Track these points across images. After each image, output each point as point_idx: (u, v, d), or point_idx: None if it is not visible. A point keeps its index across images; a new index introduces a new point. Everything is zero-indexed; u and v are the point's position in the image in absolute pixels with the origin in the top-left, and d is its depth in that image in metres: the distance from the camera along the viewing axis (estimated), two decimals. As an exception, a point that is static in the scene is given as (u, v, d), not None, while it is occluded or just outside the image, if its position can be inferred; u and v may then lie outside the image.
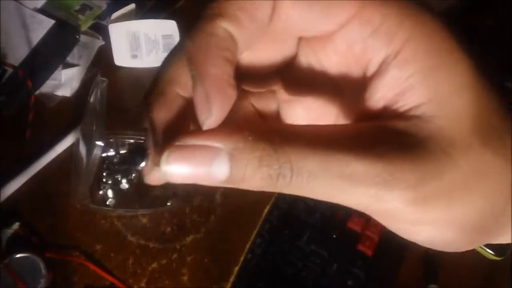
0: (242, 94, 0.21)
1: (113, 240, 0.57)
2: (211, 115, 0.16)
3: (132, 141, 0.60)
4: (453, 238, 0.17)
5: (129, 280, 0.54)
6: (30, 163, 0.59)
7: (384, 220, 0.18)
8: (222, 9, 0.17)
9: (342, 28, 0.18)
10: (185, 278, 0.55)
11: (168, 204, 0.59)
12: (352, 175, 0.15)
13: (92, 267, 0.54)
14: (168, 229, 0.58)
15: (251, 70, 0.20)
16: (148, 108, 0.19)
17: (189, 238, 0.58)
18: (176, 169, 0.16)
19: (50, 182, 0.59)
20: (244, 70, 0.20)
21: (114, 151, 0.60)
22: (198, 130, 0.17)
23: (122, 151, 0.61)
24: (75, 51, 0.69)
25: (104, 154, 0.60)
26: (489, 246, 0.58)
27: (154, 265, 0.56)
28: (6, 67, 0.64)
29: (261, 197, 0.61)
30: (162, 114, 0.19)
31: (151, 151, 0.19)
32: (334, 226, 0.59)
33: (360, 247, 0.57)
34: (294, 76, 0.21)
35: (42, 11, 0.71)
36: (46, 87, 0.65)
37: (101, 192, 0.58)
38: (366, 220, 0.59)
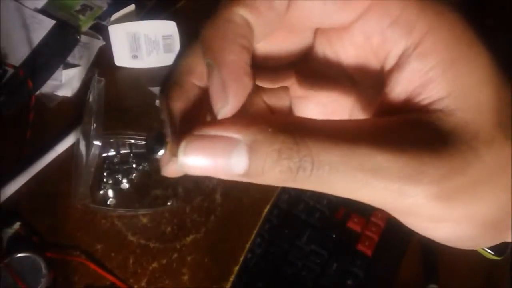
0: (254, 90, 0.21)
1: (113, 240, 0.57)
2: (227, 103, 0.16)
3: (132, 141, 0.60)
4: (473, 234, 0.17)
5: (130, 279, 0.55)
6: (30, 163, 0.59)
7: (403, 216, 0.17)
8: None
9: (360, 19, 0.17)
10: (185, 277, 0.55)
11: (169, 204, 0.59)
12: (375, 168, 0.15)
13: (93, 266, 0.54)
14: (169, 229, 0.58)
15: (265, 63, 0.20)
16: (165, 99, 0.19)
17: (189, 238, 0.58)
18: (193, 160, 0.16)
19: (50, 182, 0.59)
20: (258, 62, 0.19)
21: (114, 151, 0.61)
22: (215, 121, 0.16)
23: (123, 151, 0.61)
24: (76, 51, 0.69)
25: (104, 154, 0.60)
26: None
27: (155, 264, 0.56)
28: (6, 67, 0.64)
29: (261, 197, 0.61)
30: (179, 105, 0.18)
31: (169, 140, 0.18)
32: (334, 226, 0.59)
33: (360, 247, 0.57)
34: (309, 70, 0.21)
35: (43, 11, 0.71)
36: (46, 87, 0.66)
37: (101, 192, 0.59)
38: (366, 220, 0.59)
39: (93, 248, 0.56)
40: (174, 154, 0.16)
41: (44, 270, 0.51)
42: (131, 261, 0.56)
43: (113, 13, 0.70)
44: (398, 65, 0.17)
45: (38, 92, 0.65)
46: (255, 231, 0.58)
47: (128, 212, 0.58)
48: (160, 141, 0.18)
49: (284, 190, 0.61)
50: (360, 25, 0.18)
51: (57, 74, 0.67)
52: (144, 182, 0.60)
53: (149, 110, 0.63)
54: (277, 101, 0.22)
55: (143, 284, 0.55)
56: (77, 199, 0.56)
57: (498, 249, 0.58)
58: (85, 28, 0.71)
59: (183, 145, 0.16)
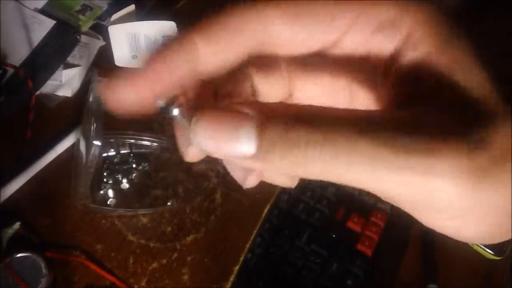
0: (244, 78, 0.20)
1: (113, 240, 0.57)
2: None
3: (132, 141, 0.60)
4: (501, 223, 0.16)
5: (130, 279, 0.55)
6: (30, 163, 0.59)
7: (426, 210, 0.16)
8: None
9: (345, 34, 0.18)
10: (185, 277, 0.55)
11: (168, 204, 0.59)
12: (398, 146, 0.14)
13: (93, 266, 0.54)
14: (169, 229, 0.58)
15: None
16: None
17: (189, 238, 0.58)
18: (205, 134, 0.15)
19: (50, 182, 0.59)
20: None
21: (114, 151, 0.61)
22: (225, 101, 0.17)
23: (123, 151, 0.61)
24: (76, 51, 0.69)
25: (104, 154, 0.60)
26: (489, 245, 0.58)
27: (155, 264, 0.56)
28: (6, 68, 0.64)
29: (261, 197, 0.61)
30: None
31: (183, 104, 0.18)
32: (334, 226, 0.59)
33: (360, 247, 0.57)
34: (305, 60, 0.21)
35: (43, 11, 0.71)
36: (46, 88, 0.66)
37: (101, 192, 0.59)
38: (365, 220, 0.59)
39: (93, 248, 0.56)
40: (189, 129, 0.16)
41: (44, 270, 0.51)
42: (131, 261, 0.56)
43: (113, 13, 0.70)
44: (394, 58, 0.17)
45: (38, 92, 0.65)
46: (255, 231, 0.58)
47: (128, 212, 0.58)
48: (174, 103, 0.18)
49: (284, 190, 0.61)
50: (347, 38, 0.18)
51: (57, 74, 0.67)
52: (144, 182, 0.60)
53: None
54: (270, 88, 0.21)
55: (143, 284, 0.55)
56: (77, 199, 0.56)
57: (498, 249, 0.58)
58: (85, 28, 0.71)
59: (193, 121, 0.16)
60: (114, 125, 0.59)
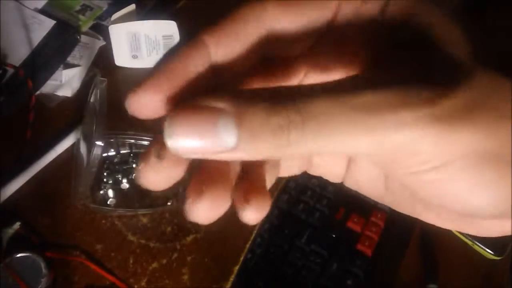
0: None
1: (113, 240, 0.57)
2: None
3: (132, 141, 0.60)
4: (477, 172, 0.16)
5: (130, 279, 0.55)
6: (30, 163, 0.59)
7: (404, 165, 0.16)
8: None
9: (338, 8, 0.18)
10: (185, 277, 0.55)
11: (169, 204, 0.59)
12: (367, 105, 0.15)
13: (93, 266, 0.54)
14: (169, 229, 0.58)
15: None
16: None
17: (189, 238, 0.58)
18: (181, 136, 0.15)
19: (50, 182, 0.59)
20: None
21: (114, 151, 0.61)
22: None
23: (123, 151, 0.61)
24: (76, 51, 0.69)
25: (104, 154, 0.60)
26: (488, 245, 0.58)
27: (155, 264, 0.56)
28: (6, 68, 0.64)
29: (261, 197, 0.61)
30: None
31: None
32: (334, 226, 0.59)
33: (360, 247, 0.57)
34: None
35: (43, 11, 0.71)
36: (46, 88, 0.66)
37: (101, 192, 0.59)
38: (365, 220, 0.59)
39: (93, 248, 0.56)
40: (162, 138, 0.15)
41: (44, 270, 0.51)
42: (131, 261, 0.56)
43: (113, 13, 0.70)
44: (381, 9, 0.18)
45: (38, 92, 0.65)
46: (255, 231, 0.58)
47: (128, 212, 0.58)
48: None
49: (284, 190, 0.61)
50: (340, 15, 0.19)
51: (57, 74, 0.67)
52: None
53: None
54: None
55: (143, 284, 0.55)
56: (77, 199, 0.56)
57: (498, 249, 0.58)
58: (85, 28, 0.71)
59: (167, 122, 0.15)
60: (114, 125, 0.59)
